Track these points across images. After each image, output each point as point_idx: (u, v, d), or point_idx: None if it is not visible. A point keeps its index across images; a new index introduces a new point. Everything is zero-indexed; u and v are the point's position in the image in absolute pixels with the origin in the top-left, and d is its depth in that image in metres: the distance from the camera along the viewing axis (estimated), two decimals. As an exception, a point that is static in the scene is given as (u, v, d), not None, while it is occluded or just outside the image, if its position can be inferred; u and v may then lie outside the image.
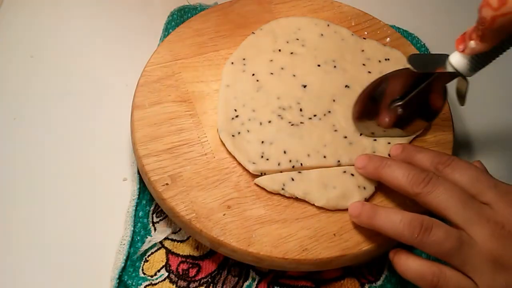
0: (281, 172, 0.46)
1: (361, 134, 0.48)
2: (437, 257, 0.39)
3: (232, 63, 0.52)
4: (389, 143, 0.49)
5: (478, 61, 0.42)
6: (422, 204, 0.41)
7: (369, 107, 0.48)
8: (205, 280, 0.45)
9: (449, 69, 0.43)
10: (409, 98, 0.46)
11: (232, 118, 0.48)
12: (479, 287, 0.38)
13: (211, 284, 0.45)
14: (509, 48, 0.40)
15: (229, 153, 0.47)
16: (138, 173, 0.49)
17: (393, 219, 0.41)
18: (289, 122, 0.48)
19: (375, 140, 0.49)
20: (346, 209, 0.45)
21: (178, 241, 0.47)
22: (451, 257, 0.39)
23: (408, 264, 0.40)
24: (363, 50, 0.54)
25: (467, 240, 0.39)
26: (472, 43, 0.40)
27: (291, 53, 0.53)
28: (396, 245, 0.46)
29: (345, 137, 0.48)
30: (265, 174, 0.46)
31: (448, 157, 0.43)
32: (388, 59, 0.54)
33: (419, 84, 0.45)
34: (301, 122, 0.49)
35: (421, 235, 0.39)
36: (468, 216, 0.39)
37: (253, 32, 0.55)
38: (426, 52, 0.60)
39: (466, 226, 0.39)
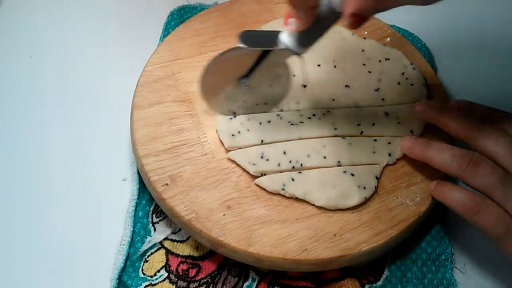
0: (281, 172, 0.46)
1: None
2: (481, 190, 0.42)
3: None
4: (389, 143, 0.49)
5: (306, 38, 0.42)
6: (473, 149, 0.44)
7: (217, 84, 0.48)
8: (205, 280, 0.45)
9: (281, 46, 0.44)
10: (253, 74, 0.47)
11: (231, 118, 0.48)
12: None
13: (211, 285, 0.45)
14: (331, 26, 0.42)
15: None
16: (138, 173, 0.49)
17: (444, 151, 0.44)
18: (289, 122, 0.48)
19: (375, 140, 0.48)
20: (346, 209, 0.45)
21: (178, 241, 0.47)
22: (494, 191, 0.41)
23: (452, 192, 0.43)
24: (363, 50, 0.54)
25: (511, 179, 0.41)
26: (292, 21, 0.41)
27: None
28: (397, 246, 0.46)
29: (345, 137, 0.48)
30: (265, 174, 0.46)
31: (504, 112, 0.46)
32: (388, 59, 0.53)
33: (260, 60, 0.46)
34: (300, 122, 0.48)
35: (469, 167, 0.42)
36: None
37: (253, 32, 0.55)
38: (426, 52, 0.60)
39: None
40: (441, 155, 0.44)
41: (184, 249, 0.46)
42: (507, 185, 0.41)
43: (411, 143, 0.47)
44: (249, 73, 0.47)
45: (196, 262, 0.46)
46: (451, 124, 0.46)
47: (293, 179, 0.45)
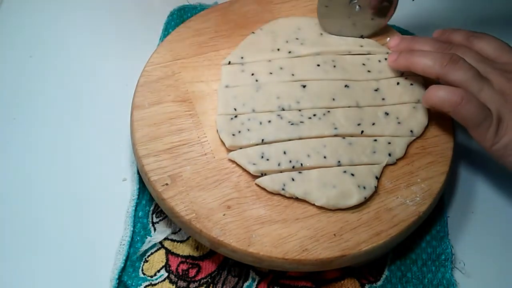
0: (281, 172, 0.46)
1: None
2: (459, 84, 0.46)
3: (232, 62, 0.52)
4: (389, 143, 0.48)
5: None
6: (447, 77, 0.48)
7: (333, 5, 0.54)
8: (205, 280, 0.45)
9: None
10: None
11: (232, 118, 0.48)
12: (491, 111, 0.45)
13: (211, 285, 0.45)
14: None
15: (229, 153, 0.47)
16: (138, 173, 0.49)
17: (426, 56, 0.48)
18: (289, 122, 0.48)
19: (375, 140, 0.48)
20: (346, 209, 0.45)
21: (178, 241, 0.47)
22: (471, 83, 0.46)
23: (437, 91, 0.47)
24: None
25: (485, 77, 0.47)
26: None
27: (291, 52, 0.53)
28: (397, 246, 0.46)
29: (345, 137, 0.48)
30: (265, 174, 0.46)
31: (481, 33, 0.51)
32: (388, 59, 0.53)
33: None
34: (301, 122, 0.48)
35: (449, 65, 0.47)
36: (483, 66, 0.47)
37: (253, 32, 0.55)
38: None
39: (484, 71, 0.47)
40: (423, 59, 0.48)
41: (184, 249, 0.46)
42: (481, 79, 0.46)
43: (396, 55, 0.51)
44: None
45: (196, 262, 0.46)
46: (425, 47, 0.50)
47: (293, 179, 0.45)
